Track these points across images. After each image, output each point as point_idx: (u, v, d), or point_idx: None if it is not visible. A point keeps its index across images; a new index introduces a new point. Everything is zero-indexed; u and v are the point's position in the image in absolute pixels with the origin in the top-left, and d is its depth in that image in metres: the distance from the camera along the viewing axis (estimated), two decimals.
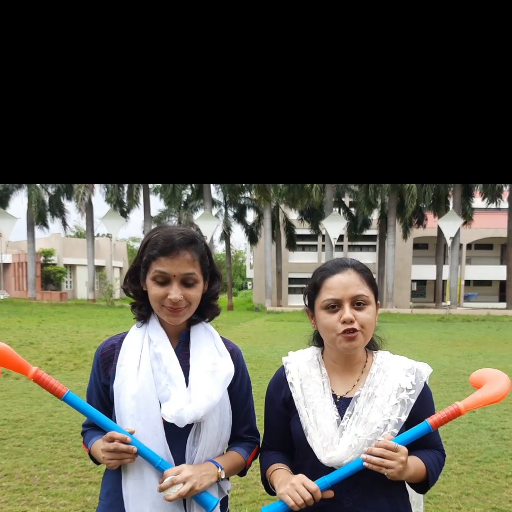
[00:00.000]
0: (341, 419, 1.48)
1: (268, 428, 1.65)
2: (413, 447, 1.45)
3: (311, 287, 1.55)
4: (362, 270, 1.53)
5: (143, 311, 1.57)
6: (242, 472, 1.66)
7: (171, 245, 1.46)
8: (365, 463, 1.37)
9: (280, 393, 1.59)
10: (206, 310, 1.61)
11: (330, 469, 1.44)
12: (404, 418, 1.46)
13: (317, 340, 1.64)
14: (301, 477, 1.42)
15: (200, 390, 1.47)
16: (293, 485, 1.39)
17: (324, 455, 1.44)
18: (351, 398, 1.50)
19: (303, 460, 1.52)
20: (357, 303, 1.47)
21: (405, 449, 1.38)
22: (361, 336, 1.47)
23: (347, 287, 1.47)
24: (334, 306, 1.47)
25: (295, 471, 1.51)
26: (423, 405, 1.50)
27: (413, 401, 1.48)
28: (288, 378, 1.58)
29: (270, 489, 1.57)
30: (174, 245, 1.46)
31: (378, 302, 1.57)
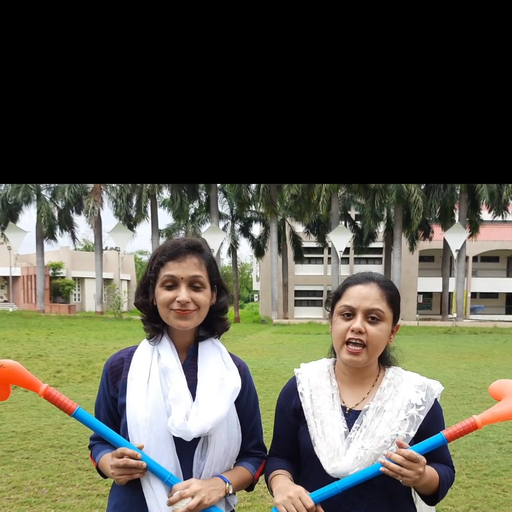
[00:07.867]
0: (349, 431, 1.49)
1: (276, 437, 1.66)
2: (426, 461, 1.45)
3: (335, 294, 1.59)
4: (386, 287, 1.53)
5: (153, 324, 1.58)
6: (250, 487, 1.67)
7: (178, 249, 1.52)
8: (382, 468, 1.37)
9: (290, 402, 1.61)
10: (215, 325, 1.63)
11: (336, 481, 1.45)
12: (412, 433, 1.46)
13: (332, 351, 1.65)
14: (300, 490, 1.42)
15: (207, 404, 1.49)
16: (291, 498, 1.39)
17: (330, 466, 1.45)
18: (360, 411, 1.51)
19: (310, 470, 1.53)
20: (371, 317, 1.49)
21: (424, 460, 1.38)
22: (364, 353, 1.48)
23: (365, 298, 1.50)
24: (349, 314, 1.51)
25: (301, 482, 1.51)
26: (432, 421, 1.50)
27: (422, 417, 1.48)
28: (299, 388, 1.60)
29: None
30: (180, 249, 1.52)
31: (398, 324, 1.58)
